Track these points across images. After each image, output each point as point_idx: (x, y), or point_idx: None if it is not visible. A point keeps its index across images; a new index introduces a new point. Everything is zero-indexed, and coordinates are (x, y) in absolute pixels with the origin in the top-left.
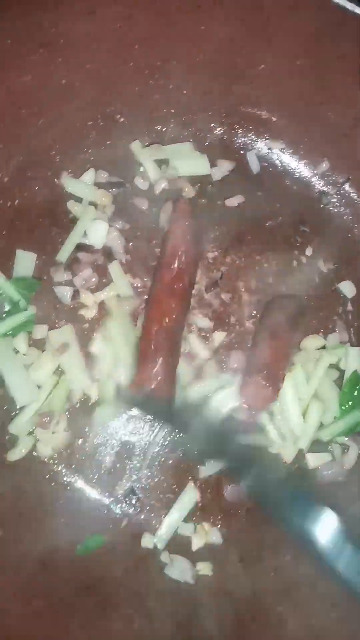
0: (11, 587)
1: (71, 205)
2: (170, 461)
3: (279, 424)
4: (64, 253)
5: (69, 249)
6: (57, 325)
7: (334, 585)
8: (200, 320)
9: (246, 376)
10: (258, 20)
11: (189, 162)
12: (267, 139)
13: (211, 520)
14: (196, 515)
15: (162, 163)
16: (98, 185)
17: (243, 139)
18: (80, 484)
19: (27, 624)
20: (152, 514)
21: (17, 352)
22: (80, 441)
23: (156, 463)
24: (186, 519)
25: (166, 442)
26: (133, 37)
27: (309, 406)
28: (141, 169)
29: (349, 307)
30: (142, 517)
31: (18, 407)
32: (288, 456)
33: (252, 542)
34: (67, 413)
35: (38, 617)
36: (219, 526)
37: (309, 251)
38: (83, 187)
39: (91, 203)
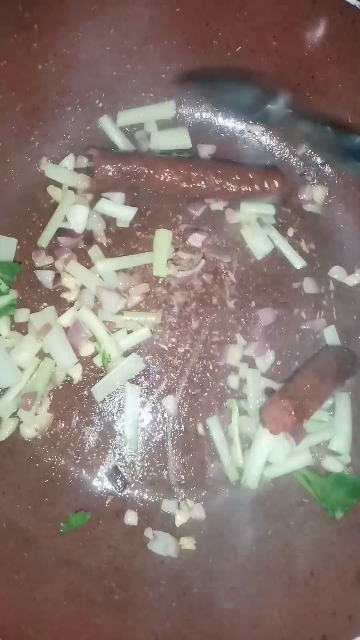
0: None
1: (51, 190)
2: (154, 439)
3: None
4: (45, 238)
5: (49, 233)
6: (40, 308)
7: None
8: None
9: (278, 395)
10: (234, 1)
11: (169, 136)
12: (248, 122)
13: (194, 498)
14: (180, 492)
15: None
16: (78, 170)
17: (224, 123)
18: (63, 464)
19: (8, 596)
20: (136, 492)
21: None
22: (63, 422)
23: (140, 441)
24: (170, 497)
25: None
26: (108, 21)
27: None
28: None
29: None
30: (126, 494)
31: (0, 388)
32: None
33: (234, 518)
34: (50, 394)
35: (19, 588)
36: (202, 503)
37: (290, 232)
38: (63, 172)
39: (71, 188)
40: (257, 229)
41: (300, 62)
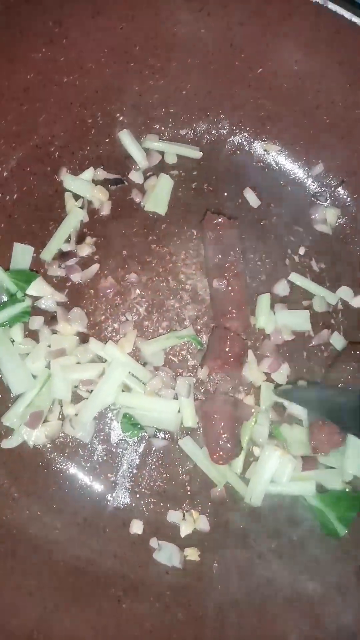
0: (4, 568)
1: (67, 198)
2: (162, 451)
3: None
4: (49, 252)
5: (52, 250)
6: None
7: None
8: (194, 314)
9: (318, 420)
10: (258, 24)
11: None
12: (263, 141)
13: (199, 509)
14: (185, 503)
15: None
16: (96, 182)
17: (240, 141)
18: (72, 471)
19: (19, 602)
20: (142, 502)
21: (13, 342)
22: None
23: (147, 452)
24: (175, 507)
25: (157, 434)
26: (135, 38)
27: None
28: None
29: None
30: (133, 504)
31: (13, 395)
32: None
33: (237, 530)
34: (59, 403)
35: (29, 596)
36: (207, 514)
37: (301, 250)
38: (81, 184)
39: (89, 200)
40: None
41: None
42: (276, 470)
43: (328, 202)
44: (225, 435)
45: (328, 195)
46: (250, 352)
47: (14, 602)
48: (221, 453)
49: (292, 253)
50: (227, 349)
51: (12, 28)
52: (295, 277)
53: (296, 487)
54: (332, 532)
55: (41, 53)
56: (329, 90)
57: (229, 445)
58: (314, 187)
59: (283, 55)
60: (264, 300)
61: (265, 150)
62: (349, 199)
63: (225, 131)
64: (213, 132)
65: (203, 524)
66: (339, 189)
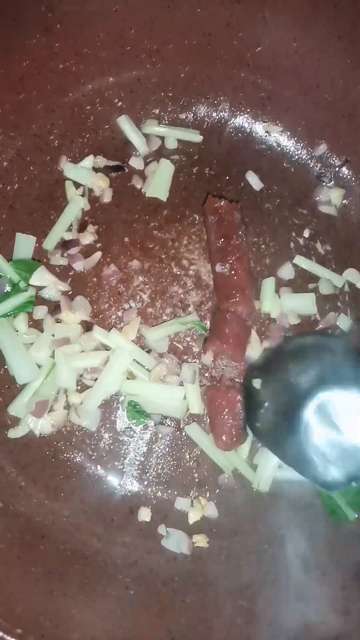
0: (11, 555)
1: (68, 187)
2: (168, 438)
3: None
4: (50, 241)
5: (54, 239)
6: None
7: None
8: (198, 299)
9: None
10: (254, 2)
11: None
12: (265, 122)
13: (207, 496)
14: (193, 490)
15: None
16: (96, 169)
17: (241, 123)
18: (79, 460)
19: (27, 588)
20: (150, 489)
21: (17, 332)
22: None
23: (154, 440)
24: (183, 494)
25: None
26: (130, 21)
27: None
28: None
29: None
30: (140, 492)
31: (19, 385)
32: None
33: (246, 516)
34: (65, 392)
35: (36, 582)
36: (215, 501)
37: (306, 233)
38: (81, 172)
39: (89, 187)
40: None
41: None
42: None
43: (332, 182)
44: (231, 421)
45: (332, 176)
46: (254, 333)
47: (20, 588)
48: (226, 439)
49: (296, 236)
50: (226, 330)
51: (5, 16)
52: (300, 260)
53: None
54: (342, 517)
55: (35, 40)
56: (329, 67)
57: (233, 431)
58: (318, 167)
59: (281, 33)
60: (268, 284)
61: (267, 132)
62: (353, 178)
63: (225, 113)
64: (213, 115)
65: (211, 510)
66: (343, 168)
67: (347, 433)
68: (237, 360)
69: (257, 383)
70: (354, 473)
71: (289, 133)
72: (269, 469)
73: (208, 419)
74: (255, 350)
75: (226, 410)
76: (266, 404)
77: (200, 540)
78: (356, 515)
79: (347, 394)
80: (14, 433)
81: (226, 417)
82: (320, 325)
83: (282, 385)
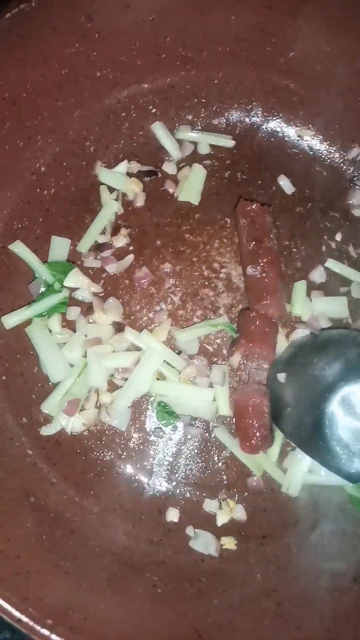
0: (42, 549)
1: (102, 191)
2: (197, 439)
3: None
4: (85, 244)
5: (88, 242)
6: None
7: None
8: (229, 302)
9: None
10: (286, 7)
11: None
12: (297, 127)
13: (236, 498)
14: (221, 492)
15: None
16: (130, 174)
17: (273, 127)
18: (109, 458)
19: (57, 581)
20: (178, 490)
21: (50, 331)
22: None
23: (183, 440)
24: (212, 496)
25: (193, 422)
26: (165, 29)
27: None
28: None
29: None
30: (169, 492)
31: (51, 383)
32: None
33: (275, 520)
34: (96, 391)
35: (65, 575)
36: (244, 503)
37: (338, 236)
38: (115, 177)
39: (123, 192)
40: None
41: None
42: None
43: None
44: (257, 424)
45: None
46: (280, 331)
47: (50, 581)
48: (252, 443)
49: (328, 239)
50: (252, 328)
51: (45, 25)
52: (332, 264)
53: (335, 477)
54: None
55: (74, 49)
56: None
57: (258, 434)
58: (350, 171)
59: (313, 37)
60: (299, 287)
61: (299, 136)
62: None
63: (258, 119)
64: (246, 120)
65: (240, 513)
66: None
67: None
68: (266, 359)
69: (281, 377)
70: None
71: (321, 137)
72: (299, 473)
73: (234, 421)
74: (281, 345)
75: (252, 413)
76: (290, 397)
77: (228, 543)
78: None
79: None
80: (47, 430)
81: (252, 420)
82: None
83: (306, 378)
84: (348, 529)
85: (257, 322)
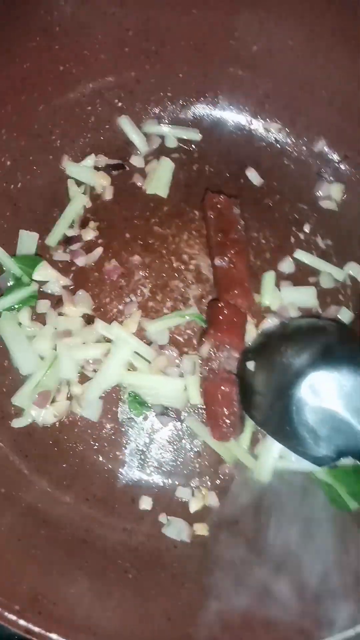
0: (12, 537)
1: (70, 184)
2: (169, 428)
3: None
4: (54, 237)
5: (57, 235)
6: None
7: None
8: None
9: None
10: (248, 2)
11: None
12: (264, 120)
13: (209, 486)
14: (194, 479)
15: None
16: (98, 168)
17: (240, 121)
18: (81, 449)
19: (25, 569)
20: (151, 479)
21: (20, 325)
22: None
23: (155, 430)
24: (185, 484)
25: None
26: (128, 23)
27: None
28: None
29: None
30: (142, 481)
31: (22, 375)
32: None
33: (248, 506)
34: (67, 383)
35: (36, 563)
36: (216, 490)
37: (306, 228)
38: (83, 170)
39: (91, 186)
40: None
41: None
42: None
43: (332, 178)
44: (226, 412)
45: (332, 171)
46: (249, 320)
47: (20, 569)
48: (222, 430)
49: (297, 230)
50: (220, 318)
51: (5, 18)
52: (300, 254)
53: (305, 463)
54: (344, 507)
55: (35, 42)
56: (324, 62)
57: (228, 422)
58: (317, 163)
59: (276, 31)
60: (268, 277)
61: (265, 129)
62: (353, 173)
63: (224, 112)
64: (212, 113)
65: (212, 500)
66: (342, 164)
67: (336, 410)
68: (236, 348)
69: (250, 365)
70: (343, 448)
71: (287, 130)
72: (270, 459)
73: (205, 410)
74: (250, 335)
75: (221, 401)
76: (260, 385)
77: (201, 529)
78: (358, 505)
79: (338, 373)
80: (18, 423)
81: (221, 408)
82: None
83: (275, 366)
84: (323, 512)
85: (225, 312)
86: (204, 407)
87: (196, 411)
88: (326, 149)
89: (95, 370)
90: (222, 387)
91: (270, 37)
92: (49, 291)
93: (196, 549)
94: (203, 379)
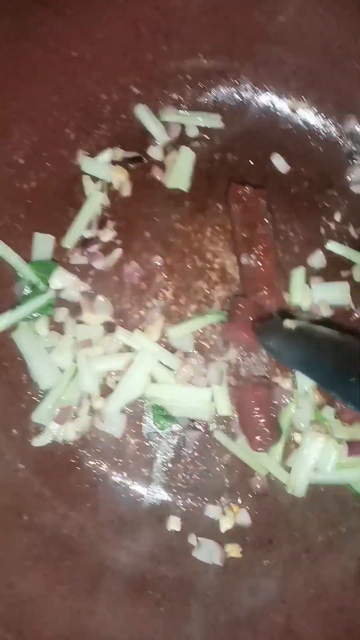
0: (37, 573)
1: (86, 181)
2: (196, 442)
3: None
4: (69, 241)
5: (73, 237)
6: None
7: None
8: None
9: None
10: None
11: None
12: (290, 99)
13: (239, 502)
14: (224, 496)
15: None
16: (114, 162)
17: (264, 102)
18: (105, 467)
19: (51, 608)
20: (179, 497)
21: (38, 335)
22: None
23: (182, 444)
24: (214, 501)
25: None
26: (143, 3)
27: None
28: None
29: None
30: (169, 500)
31: (41, 390)
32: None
33: (281, 523)
34: (89, 397)
35: (62, 601)
36: (247, 507)
37: (337, 216)
38: (99, 166)
39: (108, 182)
40: None
41: None
42: (320, 457)
43: None
44: (263, 420)
45: None
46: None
47: (45, 608)
48: (260, 439)
49: (327, 220)
50: (237, 312)
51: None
52: (332, 246)
53: (342, 475)
54: None
55: (47, 26)
56: (357, 34)
57: (266, 430)
58: (348, 145)
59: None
60: (298, 274)
61: (292, 110)
62: None
63: (247, 93)
64: (235, 96)
65: (244, 518)
66: None
67: None
68: (249, 347)
69: (289, 323)
70: None
71: (316, 109)
72: (303, 471)
73: (238, 420)
74: None
75: (256, 409)
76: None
77: (233, 550)
78: None
79: None
80: (38, 441)
81: (257, 415)
82: (356, 315)
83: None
84: (356, 528)
85: (241, 307)
86: (237, 417)
87: (225, 422)
88: (358, 128)
89: (117, 382)
90: (255, 394)
91: (297, 8)
92: (67, 298)
93: (229, 573)
94: (234, 388)
